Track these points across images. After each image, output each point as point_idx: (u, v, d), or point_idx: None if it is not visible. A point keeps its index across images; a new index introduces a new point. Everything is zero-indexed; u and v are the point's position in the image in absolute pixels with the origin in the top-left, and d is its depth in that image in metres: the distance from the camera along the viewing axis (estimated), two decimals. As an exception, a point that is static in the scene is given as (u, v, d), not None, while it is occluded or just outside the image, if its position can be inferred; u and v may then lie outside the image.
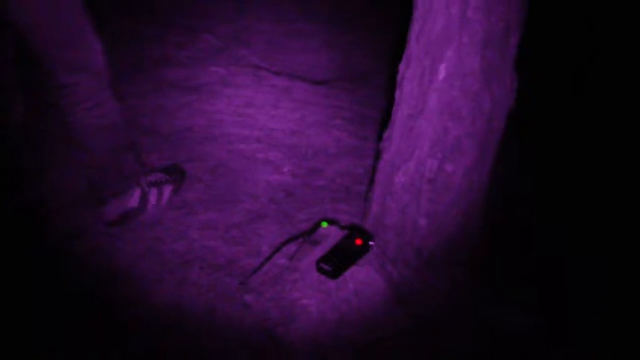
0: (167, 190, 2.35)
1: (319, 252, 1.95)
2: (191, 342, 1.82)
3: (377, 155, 2.11)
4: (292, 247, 2.08)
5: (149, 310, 1.92)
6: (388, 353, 1.83)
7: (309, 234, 2.12)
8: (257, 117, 3.04)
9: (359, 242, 1.97)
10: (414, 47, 1.85)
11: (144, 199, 2.25)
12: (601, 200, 2.50)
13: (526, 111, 2.19)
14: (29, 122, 2.12)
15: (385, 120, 2.07)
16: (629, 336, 1.93)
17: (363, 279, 1.92)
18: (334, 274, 1.88)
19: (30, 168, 2.22)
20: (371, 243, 1.98)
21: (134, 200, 2.23)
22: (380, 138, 2.10)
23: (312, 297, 1.87)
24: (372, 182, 2.15)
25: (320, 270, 1.89)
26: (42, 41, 1.86)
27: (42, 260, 2.04)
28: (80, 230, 2.21)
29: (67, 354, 1.77)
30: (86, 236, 2.19)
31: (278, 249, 2.12)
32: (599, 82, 3.31)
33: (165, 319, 1.89)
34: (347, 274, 1.91)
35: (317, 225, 2.15)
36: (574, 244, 2.29)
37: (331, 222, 2.16)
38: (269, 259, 2.08)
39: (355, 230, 2.05)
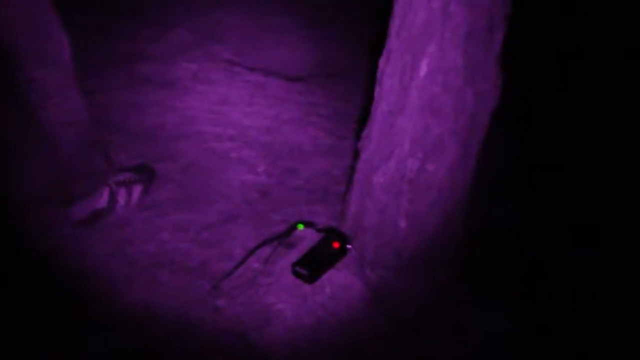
0: (137, 190, 2.31)
1: (295, 255, 1.94)
2: (162, 342, 1.80)
3: (355, 154, 2.08)
4: (266, 250, 2.06)
5: (118, 309, 1.90)
6: (366, 357, 1.81)
7: (284, 236, 2.09)
8: (231, 114, 2.99)
9: (336, 245, 1.97)
10: (394, 42, 1.82)
11: (113, 199, 2.23)
12: (586, 197, 2.49)
13: (511, 107, 2.17)
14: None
15: (363, 118, 2.05)
16: (613, 337, 1.92)
17: (340, 282, 1.92)
18: (310, 278, 1.88)
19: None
20: (348, 246, 1.98)
21: (102, 200, 2.20)
22: (358, 136, 2.07)
23: (286, 301, 1.85)
24: (349, 182, 2.12)
25: (296, 274, 1.89)
26: (12, 34, 1.85)
27: (7, 256, 2.02)
28: (47, 227, 2.17)
29: (32, 351, 1.75)
30: (53, 233, 2.16)
31: (252, 252, 2.09)
32: (584, 79, 3.31)
33: (136, 318, 1.87)
34: (324, 277, 1.90)
35: (293, 227, 2.13)
36: (559, 242, 2.28)
37: (307, 224, 2.15)
38: (242, 262, 2.05)
39: (332, 233, 2.04)
